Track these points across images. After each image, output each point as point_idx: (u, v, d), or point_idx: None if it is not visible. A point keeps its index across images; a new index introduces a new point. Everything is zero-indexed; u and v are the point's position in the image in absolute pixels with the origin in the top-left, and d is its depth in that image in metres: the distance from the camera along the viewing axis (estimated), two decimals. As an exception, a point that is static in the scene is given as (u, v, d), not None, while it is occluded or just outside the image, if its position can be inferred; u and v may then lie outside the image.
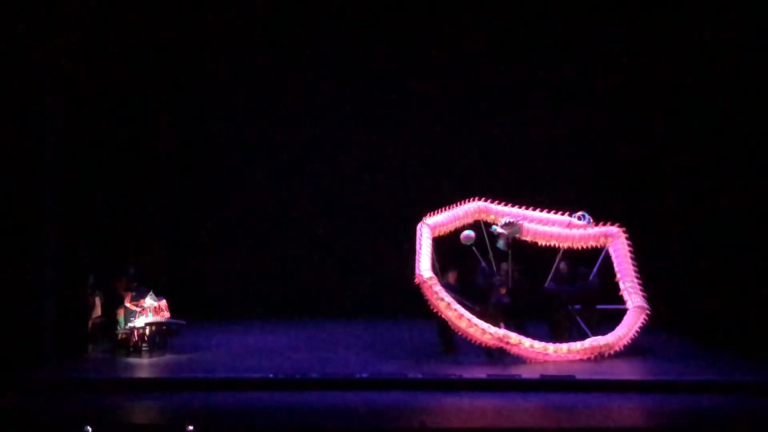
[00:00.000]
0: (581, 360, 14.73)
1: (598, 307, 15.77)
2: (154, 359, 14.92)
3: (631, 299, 15.44)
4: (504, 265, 15.55)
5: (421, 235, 15.42)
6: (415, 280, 14.88)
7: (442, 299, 14.67)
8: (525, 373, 13.78)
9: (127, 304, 15.44)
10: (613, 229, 15.75)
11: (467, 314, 14.65)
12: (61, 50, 15.16)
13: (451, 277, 15.54)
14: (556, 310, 15.96)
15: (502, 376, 13.70)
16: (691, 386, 13.32)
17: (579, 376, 13.63)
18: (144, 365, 14.63)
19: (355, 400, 12.83)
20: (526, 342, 14.59)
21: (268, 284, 19.42)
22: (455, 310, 14.65)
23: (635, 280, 15.57)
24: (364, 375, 13.64)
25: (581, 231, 15.67)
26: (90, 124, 15.87)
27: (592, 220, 15.78)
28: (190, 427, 10.20)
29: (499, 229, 15.38)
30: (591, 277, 15.76)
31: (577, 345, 14.90)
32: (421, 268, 14.85)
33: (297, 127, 19.51)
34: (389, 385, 13.44)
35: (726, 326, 15.75)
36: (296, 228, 19.62)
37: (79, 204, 15.52)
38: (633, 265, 15.60)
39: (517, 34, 18.69)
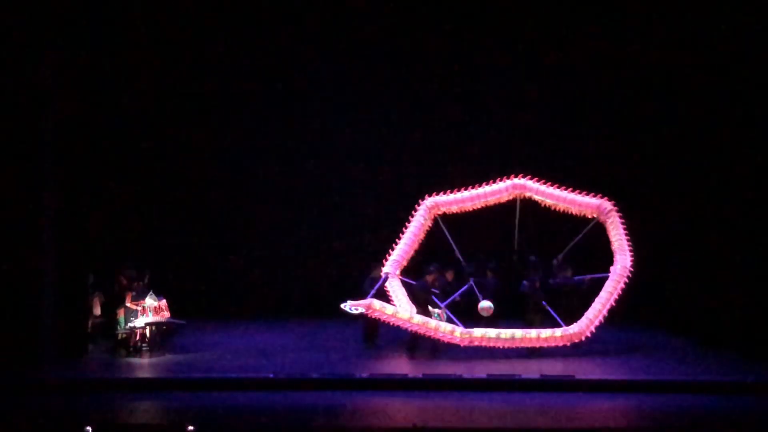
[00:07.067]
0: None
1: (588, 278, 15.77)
2: (154, 359, 14.91)
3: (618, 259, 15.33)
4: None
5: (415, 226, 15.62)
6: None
7: (393, 314, 15.03)
8: (525, 373, 13.78)
9: (128, 304, 15.43)
10: (607, 204, 15.55)
11: (417, 317, 15.04)
12: (64, 49, 15.16)
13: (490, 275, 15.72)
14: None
15: (502, 376, 13.70)
16: (691, 386, 13.34)
17: (579, 376, 13.65)
18: (144, 365, 14.62)
19: (355, 400, 12.85)
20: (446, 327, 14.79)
21: (269, 284, 19.41)
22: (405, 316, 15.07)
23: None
24: (364, 375, 13.65)
25: (584, 198, 15.49)
26: (89, 125, 15.86)
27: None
28: (190, 427, 10.21)
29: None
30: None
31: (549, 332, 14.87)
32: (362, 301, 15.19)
33: (297, 128, 19.51)
34: (389, 385, 13.47)
35: (726, 326, 15.76)
36: (296, 228, 19.61)
37: (79, 203, 15.50)
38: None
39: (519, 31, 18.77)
